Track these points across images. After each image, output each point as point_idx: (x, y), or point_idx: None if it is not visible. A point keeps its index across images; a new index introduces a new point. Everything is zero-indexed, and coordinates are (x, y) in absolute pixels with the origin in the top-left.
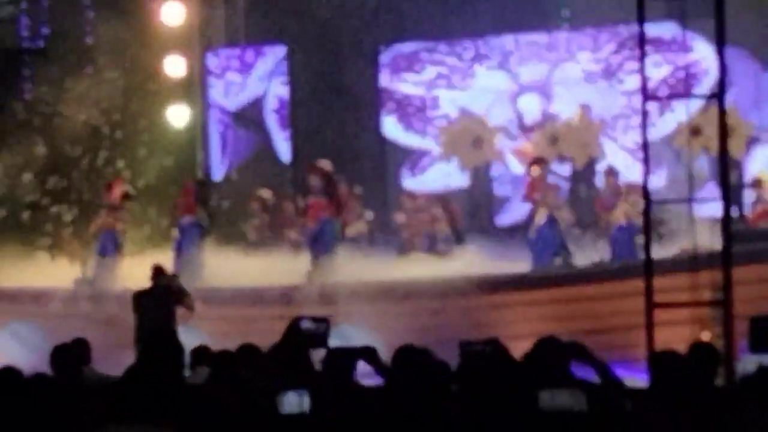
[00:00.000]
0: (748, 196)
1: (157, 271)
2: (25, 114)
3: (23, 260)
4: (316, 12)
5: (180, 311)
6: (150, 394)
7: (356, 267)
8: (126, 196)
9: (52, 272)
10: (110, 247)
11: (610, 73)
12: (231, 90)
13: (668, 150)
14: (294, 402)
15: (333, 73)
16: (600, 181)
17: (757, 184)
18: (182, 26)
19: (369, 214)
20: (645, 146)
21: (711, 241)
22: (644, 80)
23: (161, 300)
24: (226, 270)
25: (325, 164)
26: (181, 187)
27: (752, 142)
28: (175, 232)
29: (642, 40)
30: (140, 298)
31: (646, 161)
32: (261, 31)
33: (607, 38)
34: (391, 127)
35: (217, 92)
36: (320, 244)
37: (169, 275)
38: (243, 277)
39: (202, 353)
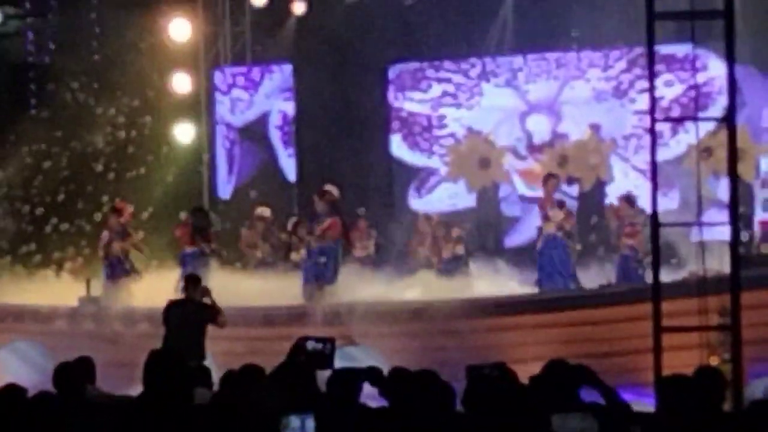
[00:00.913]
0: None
1: (193, 282)
2: (31, 129)
3: (28, 278)
4: (323, 30)
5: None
6: (158, 416)
7: (362, 287)
8: (134, 216)
9: (57, 291)
10: (119, 268)
11: (620, 92)
12: (237, 107)
13: (681, 171)
14: (297, 425)
15: (339, 90)
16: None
17: None
18: (189, 43)
19: (374, 234)
20: (653, 168)
21: (720, 265)
22: (653, 101)
23: (194, 313)
24: (231, 290)
25: (332, 189)
26: (185, 212)
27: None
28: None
29: (651, 61)
30: (171, 309)
31: (654, 183)
32: (267, 48)
33: (617, 56)
34: (397, 145)
35: (224, 109)
36: (326, 265)
37: (204, 287)
38: (248, 297)
39: (204, 373)
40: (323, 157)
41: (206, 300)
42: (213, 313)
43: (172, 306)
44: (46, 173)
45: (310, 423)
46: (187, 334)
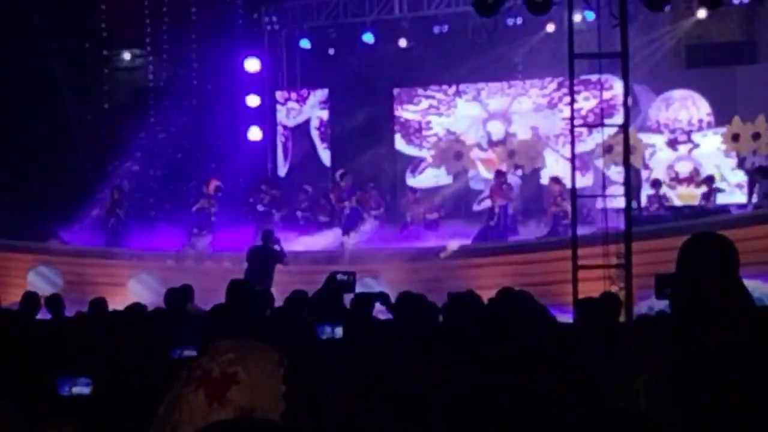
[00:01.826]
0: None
1: (268, 234)
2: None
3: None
4: (348, 64)
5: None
6: (235, 323)
7: (376, 238)
8: (217, 189)
9: (168, 238)
10: (206, 222)
11: (552, 105)
12: (290, 114)
13: (594, 161)
14: (329, 331)
15: (359, 104)
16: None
17: (654, 183)
18: (258, 73)
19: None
20: (573, 159)
21: (618, 223)
22: (572, 112)
23: (267, 256)
24: (290, 239)
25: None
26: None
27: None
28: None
29: (572, 85)
30: (253, 251)
31: (573, 169)
32: (311, 77)
33: (550, 80)
34: (398, 142)
35: (281, 115)
36: (352, 222)
37: (275, 238)
38: (298, 244)
39: (268, 296)
40: (348, 150)
41: (276, 247)
42: (280, 256)
43: (253, 249)
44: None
45: (339, 330)
46: (261, 270)
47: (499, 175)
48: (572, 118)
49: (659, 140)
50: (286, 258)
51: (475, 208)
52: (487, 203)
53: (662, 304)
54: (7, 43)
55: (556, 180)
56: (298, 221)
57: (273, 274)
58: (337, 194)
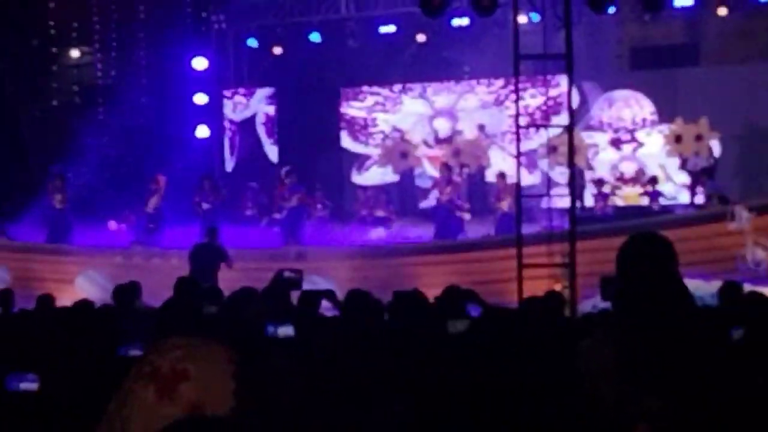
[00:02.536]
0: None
1: (213, 231)
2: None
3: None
4: (294, 63)
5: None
6: (183, 320)
7: (321, 237)
8: (166, 184)
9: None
10: (158, 218)
11: (499, 102)
12: (237, 108)
13: (539, 159)
14: (277, 330)
15: (305, 102)
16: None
17: (598, 183)
18: (206, 71)
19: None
20: (518, 157)
21: (562, 222)
22: (517, 112)
23: (211, 253)
24: (232, 236)
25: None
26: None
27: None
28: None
29: (516, 85)
30: (197, 248)
31: (518, 168)
32: (258, 75)
33: (496, 77)
34: (344, 139)
35: (228, 109)
36: (297, 221)
37: (216, 232)
38: (242, 241)
39: (215, 293)
40: (295, 147)
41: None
42: (224, 254)
43: (197, 247)
44: (110, 158)
45: (288, 329)
46: (206, 268)
47: (446, 168)
48: (517, 118)
49: (602, 139)
50: (229, 259)
51: (422, 205)
52: (435, 195)
53: (606, 303)
54: None
55: (502, 176)
56: (244, 219)
57: (218, 272)
58: (280, 192)
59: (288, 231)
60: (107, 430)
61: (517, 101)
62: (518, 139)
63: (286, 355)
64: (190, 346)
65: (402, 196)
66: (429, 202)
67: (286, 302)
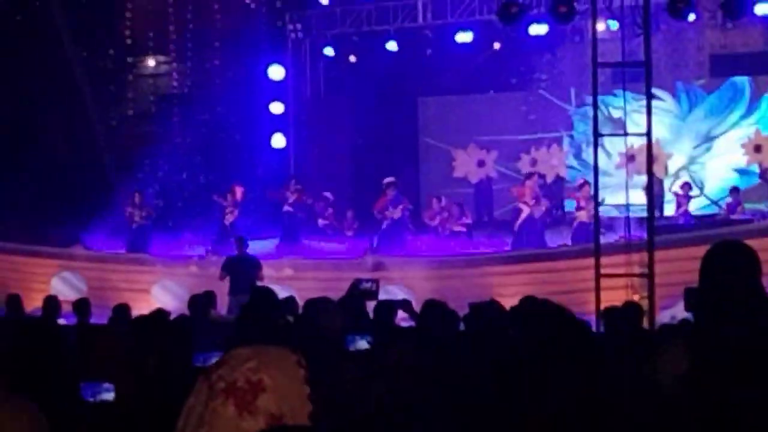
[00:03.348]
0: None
1: (241, 241)
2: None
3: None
4: (371, 70)
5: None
6: (259, 329)
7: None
8: (243, 195)
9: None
10: (233, 229)
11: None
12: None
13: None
14: (356, 341)
15: (383, 111)
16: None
17: (685, 186)
18: (282, 80)
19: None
20: (595, 166)
21: (641, 232)
22: (596, 122)
23: (245, 265)
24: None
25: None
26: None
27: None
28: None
29: (595, 96)
30: (230, 262)
31: (596, 178)
32: (334, 84)
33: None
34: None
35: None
36: (400, 232)
37: (246, 243)
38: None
39: (290, 303)
40: (372, 154)
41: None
42: (259, 265)
43: (230, 260)
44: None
45: (363, 343)
46: (243, 279)
47: (529, 176)
48: (595, 128)
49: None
50: (260, 271)
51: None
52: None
53: (685, 314)
54: (32, 50)
55: (584, 183)
56: (318, 229)
57: (256, 282)
58: (382, 203)
59: (389, 242)
60: None
61: (595, 108)
62: (596, 146)
63: (361, 365)
64: (259, 356)
65: (477, 205)
66: (505, 211)
67: (362, 312)
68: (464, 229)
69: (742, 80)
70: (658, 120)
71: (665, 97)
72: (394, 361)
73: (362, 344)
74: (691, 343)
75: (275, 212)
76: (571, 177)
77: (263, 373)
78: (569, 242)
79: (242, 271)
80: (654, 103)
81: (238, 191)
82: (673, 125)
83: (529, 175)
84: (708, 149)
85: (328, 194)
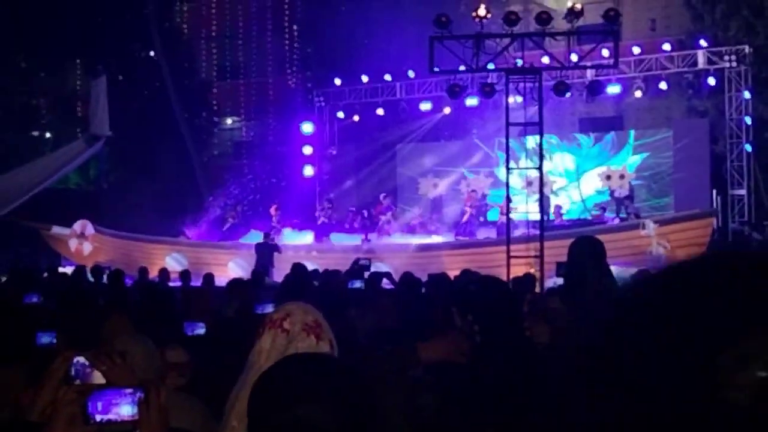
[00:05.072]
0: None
1: (267, 235)
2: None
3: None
4: (367, 126)
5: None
6: (297, 289)
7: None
8: (277, 209)
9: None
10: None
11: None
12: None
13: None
14: (355, 283)
15: (374, 152)
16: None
17: (557, 207)
18: (311, 133)
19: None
20: (507, 187)
21: (536, 230)
22: (507, 160)
23: (268, 248)
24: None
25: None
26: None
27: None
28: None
29: (507, 144)
30: (259, 246)
31: (507, 197)
32: (344, 135)
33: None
34: (399, 175)
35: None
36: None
37: (271, 236)
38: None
39: (316, 272)
40: (367, 182)
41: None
42: (278, 248)
43: (259, 245)
44: (251, 188)
45: (359, 283)
46: (266, 257)
47: (471, 192)
48: (507, 163)
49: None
50: (280, 249)
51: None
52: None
53: (560, 281)
54: (155, 115)
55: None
56: (344, 230)
57: (273, 259)
58: (379, 210)
59: (381, 234)
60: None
61: (507, 152)
62: (508, 175)
63: (359, 304)
64: (306, 307)
65: (433, 212)
66: (453, 215)
67: (362, 277)
68: (429, 218)
69: (610, 135)
70: (548, 158)
71: (557, 142)
72: (379, 311)
73: (357, 284)
74: (565, 299)
75: (310, 217)
76: (495, 194)
77: (317, 316)
78: (493, 236)
79: (266, 252)
80: (549, 145)
81: (273, 207)
82: (554, 162)
83: (469, 195)
84: (578, 177)
85: (353, 208)
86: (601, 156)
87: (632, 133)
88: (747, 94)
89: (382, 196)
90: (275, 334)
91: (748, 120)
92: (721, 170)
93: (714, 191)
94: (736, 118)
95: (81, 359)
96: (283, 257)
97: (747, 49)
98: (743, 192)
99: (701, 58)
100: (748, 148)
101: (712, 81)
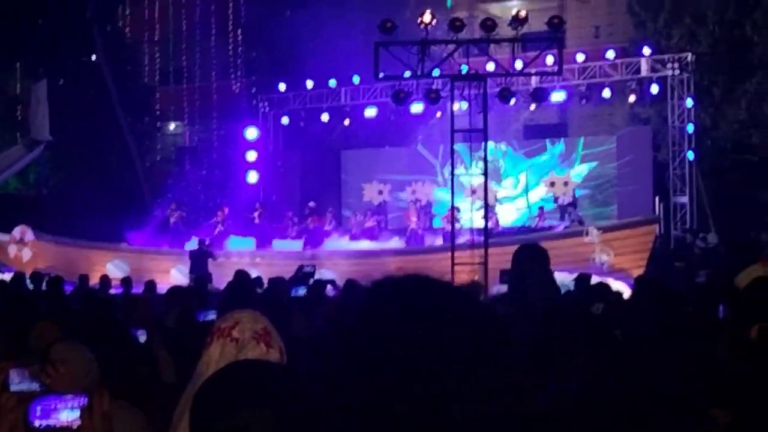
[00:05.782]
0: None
1: (201, 241)
2: (186, 175)
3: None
4: (312, 132)
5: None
6: (240, 297)
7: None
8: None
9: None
10: (221, 235)
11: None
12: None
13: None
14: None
15: (318, 158)
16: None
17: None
18: (255, 139)
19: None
20: (452, 196)
21: (480, 236)
22: (453, 167)
23: (202, 255)
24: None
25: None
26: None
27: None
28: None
29: (452, 151)
30: (193, 253)
31: (452, 205)
32: (287, 141)
33: (439, 144)
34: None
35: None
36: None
37: (206, 243)
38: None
39: (259, 280)
40: (312, 186)
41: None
42: (212, 254)
43: (193, 252)
44: (193, 193)
45: (302, 290)
46: (200, 264)
47: (413, 202)
48: (452, 170)
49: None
50: (214, 256)
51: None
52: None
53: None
54: (97, 120)
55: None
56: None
57: (207, 266)
58: (312, 217)
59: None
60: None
61: (452, 158)
62: (453, 184)
63: (303, 314)
64: (255, 314)
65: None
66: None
67: (306, 284)
68: (375, 224)
69: (560, 144)
70: (498, 166)
71: (504, 148)
72: (324, 322)
73: (301, 291)
74: (509, 305)
75: (248, 223)
76: (440, 201)
77: (266, 324)
78: (439, 243)
79: (200, 257)
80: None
81: (225, 210)
82: (499, 169)
83: (414, 202)
84: (527, 187)
85: (290, 213)
86: (549, 164)
87: (581, 141)
88: (689, 102)
89: (311, 203)
90: (224, 344)
91: (691, 128)
92: (664, 177)
93: (657, 198)
94: (679, 125)
95: (20, 369)
96: (227, 264)
97: (690, 56)
98: (685, 199)
99: (644, 65)
100: (691, 155)
101: (655, 89)
